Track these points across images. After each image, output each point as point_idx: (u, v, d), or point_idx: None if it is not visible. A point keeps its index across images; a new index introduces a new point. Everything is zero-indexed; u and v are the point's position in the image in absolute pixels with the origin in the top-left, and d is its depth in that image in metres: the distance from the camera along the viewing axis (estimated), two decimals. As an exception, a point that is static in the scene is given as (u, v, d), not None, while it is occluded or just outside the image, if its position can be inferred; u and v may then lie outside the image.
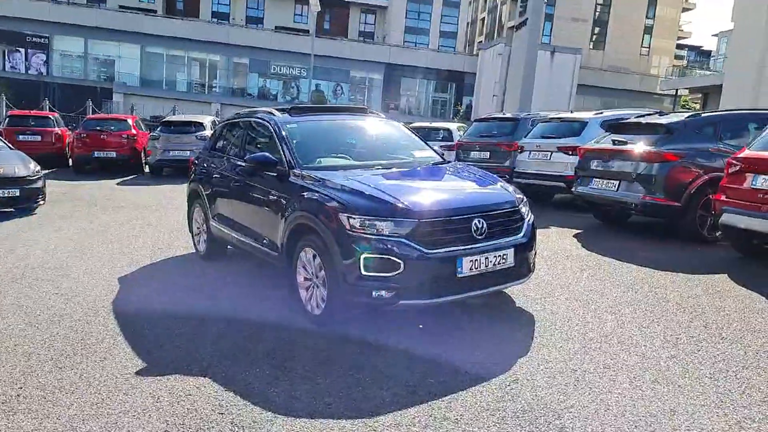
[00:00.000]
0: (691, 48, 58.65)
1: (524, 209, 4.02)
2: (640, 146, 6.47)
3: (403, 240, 3.45)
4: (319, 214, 3.74)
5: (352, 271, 3.48)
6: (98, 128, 14.61)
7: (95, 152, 14.26)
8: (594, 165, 7.02)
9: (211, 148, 5.88)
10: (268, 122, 4.79)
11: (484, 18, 51.44)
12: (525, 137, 9.70)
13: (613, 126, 7.14)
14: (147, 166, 14.63)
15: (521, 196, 4.14)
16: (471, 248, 3.57)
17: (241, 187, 4.86)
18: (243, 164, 4.85)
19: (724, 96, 23.85)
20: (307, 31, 42.39)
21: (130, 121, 15.34)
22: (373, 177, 4.12)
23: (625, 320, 4.03)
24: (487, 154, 10.73)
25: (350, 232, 3.50)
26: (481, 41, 45.49)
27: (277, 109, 5.04)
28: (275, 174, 4.34)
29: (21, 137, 14.56)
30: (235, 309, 4.30)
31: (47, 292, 4.73)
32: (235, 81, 39.92)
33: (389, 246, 3.43)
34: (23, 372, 3.25)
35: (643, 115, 7.62)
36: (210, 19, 42.42)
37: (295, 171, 4.21)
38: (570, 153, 8.52)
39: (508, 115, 11.84)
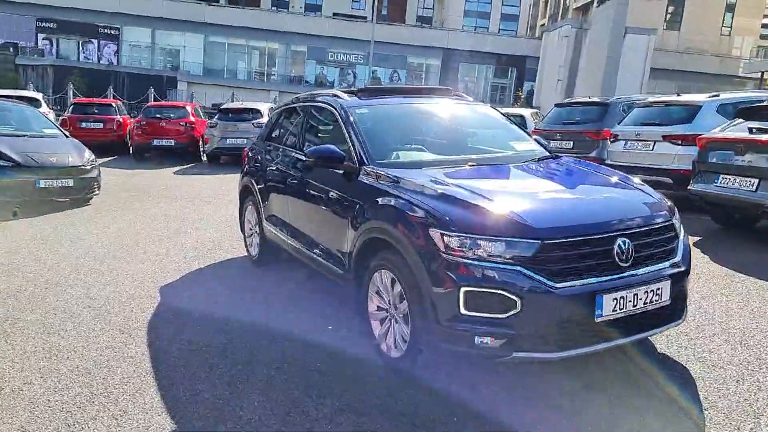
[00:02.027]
0: (770, 26, 53.62)
1: (677, 222, 2.98)
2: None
3: (520, 268, 2.51)
4: (399, 227, 2.85)
5: (448, 308, 2.57)
6: (157, 116, 14.43)
7: (154, 140, 14.06)
8: (720, 159, 5.75)
9: (266, 138, 5.10)
10: (332, 107, 3.92)
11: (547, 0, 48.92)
12: (618, 124, 8.43)
13: (748, 111, 5.82)
14: (204, 154, 14.29)
15: (671, 204, 3.08)
16: (614, 280, 2.58)
17: (300, 184, 4.04)
18: (302, 158, 4.02)
19: None
20: (365, 18, 41.86)
21: (188, 109, 15.05)
22: (469, 177, 3.20)
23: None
24: (570, 143, 9.53)
25: (445, 255, 2.59)
26: (544, 24, 43.31)
27: (343, 91, 4.16)
28: (341, 171, 3.49)
29: (84, 124, 14.69)
30: (290, 341, 3.49)
31: (79, 301, 4.12)
32: (293, 69, 40.08)
33: (501, 276, 2.50)
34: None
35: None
36: (270, 7, 42.50)
37: (366, 168, 3.34)
38: (679, 143, 7.22)
39: (596, 99, 10.51)
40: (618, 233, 2.64)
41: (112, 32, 38.02)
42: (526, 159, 3.63)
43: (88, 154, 8.49)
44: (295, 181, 4.12)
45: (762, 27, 43.94)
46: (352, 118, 3.68)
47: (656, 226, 2.80)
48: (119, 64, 37.97)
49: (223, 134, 13.35)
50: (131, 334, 3.59)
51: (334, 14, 41.75)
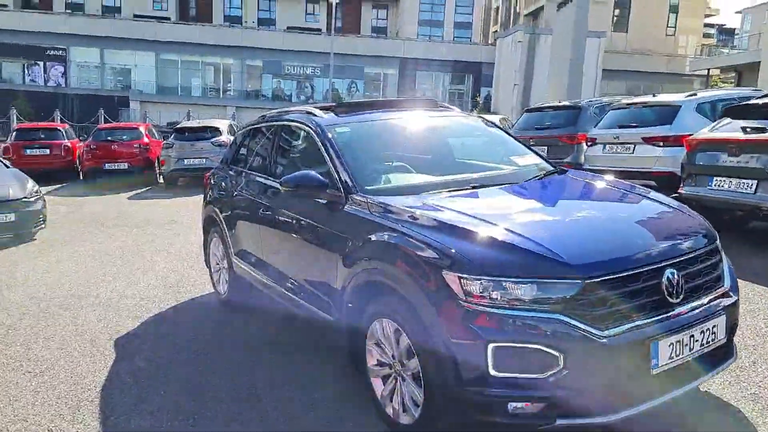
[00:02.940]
0: (712, 26, 56.10)
1: (718, 243, 2.61)
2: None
3: (559, 315, 2.07)
4: (403, 269, 2.38)
5: (473, 369, 2.10)
6: (109, 138, 13.58)
7: (106, 164, 13.21)
8: (712, 160, 5.53)
9: (231, 161, 4.54)
10: (307, 126, 3.41)
11: (498, 7, 49.71)
12: (595, 127, 8.22)
13: (736, 110, 5.63)
14: (161, 176, 13.48)
15: (709, 224, 2.71)
16: (667, 320, 2.17)
17: (273, 216, 3.52)
18: (275, 186, 3.50)
19: (763, 74, 21.96)
20: (319, 30, 41.58)
21: (142, 130, 14.23)
22: (477, 203, 2.76)
23: None
24: (544, 149, 9.27)
25: (465, 303, 2.13)
26: (497, 30, 43.91)
27: (317, 107, 3.65)
28: (324, 201, 3.00)
29: (29, 151, 13.77)
30: (274, 405, 2.97)
31: (15, 365, 3.47)
32: (249, 83, 39.36)
33: (537, 327, 2.05)
34: None
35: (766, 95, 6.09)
36: (222, 23, 41.65)
37: (354, 196, 2.85)
38: (661, 144, 7.03)
39: (566, 102, 10.33)
40: (665, 263, 2.24)
41: (59, 53, 36.43)
42: (531, 175, 3.21)
43: (31, 185, 7.70)
44: (268, 212, 3.58)
45: (704, 26, 45.89)
46: (332, 139, 3.18)
47: (702, 251, 2.41)
48: (67, 86, 36.36)
49: (180, 155, 12.60)
50: (79, 408, 2.99)
51: (288, 28, 41.29)
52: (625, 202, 2.92)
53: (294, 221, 3.30)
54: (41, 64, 36.43)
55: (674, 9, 40.94)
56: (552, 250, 2.18)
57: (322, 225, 2.99)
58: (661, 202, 2.84)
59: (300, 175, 3.01)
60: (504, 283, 2.11)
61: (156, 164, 13.64)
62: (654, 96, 7.88)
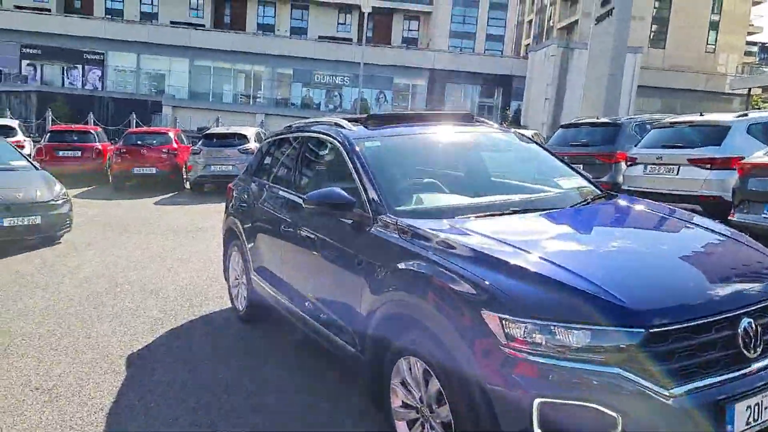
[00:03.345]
0: (754, 44, 54.61)
1: None
2: None
3: (618, 369, 1.79)
4: (435, 303, 2.14)
5: (513, 425, 1.85)
6: (138, 143, 13.66)
7: (134, 168, 13.26)
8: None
9: (255, 172, 4.37)
10: (334, 139, 3.20)
11: (531, 20, 49.29)
12: (636, 146, 7.85)
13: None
14: (187, 182, 13.51)
15: None
16: (744, 378, 1.88)
17: (295, 233, 3.31)
18: (299, 201, 3.30)
19: None
20: (350, 40, 41.81)
21: (171, 135, 14.31)
22: (521, 231, 2.50)
23: None
24: (580, 167, 8.90)
25: (507, 349, 1.88)
26: (529, 44, 43.47)
27: (346, 119, 3.44)
28: (350, 221, 2.79)
29: (61, 153, 13.93)
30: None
31: (26, 379, 3.33)
32: (278, 91, 39.75)
33: (590, 381, 1.79)
34: None
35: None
36: (255, 31, 42.24)
37: (383, 218, 2.63)
38: (708, 167, 6.64)
39: (605, 119, 9.96)
40: (741, 311, 1.94)
41: (97, 57, 37.48)
42: (577, 200, 2.94)
43: (58, 188, 7.69)
44: (290, 229, 3.38)
45: (746, 44, 44.60)
46: (360, 154, 2.96)
47: (781, 296, 2.10)
48: (104, 89, 37.29)
49: (207, 161, 12.60)
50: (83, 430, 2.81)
51: (320, 37, 41.61)
52: (688, 234, 2.63)
53: (316, 240, 3.09)
54: (80, 67, 37.49)
55: (715, 26, 40.00)
56: (609, 292, 1.91)
57: (347, 247, 2.77)
58: (728, 236, 2.54)
59: (325, 192, 2.80)
60: (552, 328, 1.85)
61: (183, 170, 13.69)
62: (701, 115, 7.48)
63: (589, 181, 3.27)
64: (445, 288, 2.12)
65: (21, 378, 3.39)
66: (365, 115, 3.46)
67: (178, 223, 8.97)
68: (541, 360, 1.84)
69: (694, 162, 6.76)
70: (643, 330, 1.82)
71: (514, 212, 2.67)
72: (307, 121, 3.96)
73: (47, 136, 14.72)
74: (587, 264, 2.12)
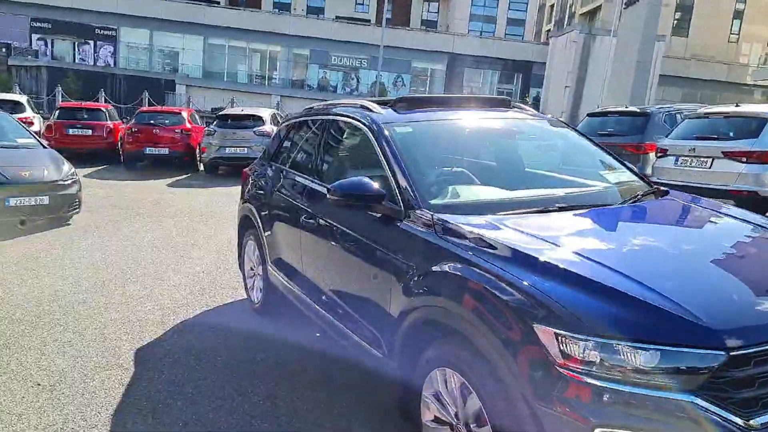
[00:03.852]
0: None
1: None
2: None
3: (691, 397, 1.54)
4: (477, 312, 1.89)
5: None
6: (151, 122, 13.40)
7: (147, 148, 13.04)
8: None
9: (272, 157, 4.10)
10: (362, 123, 2.91)
11: (553, 4, 48.16)
12: (667, 137, 7.48)
13: None
14: (201, 164, 13.30)
15: None
16: None
17: (317, 224, 3.06)
18: (322, 191, 3.04)
19: None
20: (368, 21, 41.11)
21: (185, 115, 14.06)
22: (572, 231, 2.23)
23: None
24: (607, 158, 8.57)
25: (563, 369, 1.63)
26: (550, 29, 42.55)
27: (373, 101, 3.14)
28: (378, 215, 2.52)
29: (71, 131, 13.75)
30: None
31: (26, 373, 3.13)
32: (295, 72, 39.29)
33: (660, 410, 1.54)
34: None
35: None
36: (271, 9, 41.69)
37: (416, 212, 2.36)
38: (744, 160, 6.29)
39: (633, 108, 9.54)
40: None
41: (109, 33, 37.02)
42: (627, 196, 2.65)
43: (67, 167, 7.49)
44: (311, 220, 3.12)
45: (771, 34, 43.29)
46: (391, 140, 2.67)
47: None
48: (116, 66, 37.01)
49: (221, 143, 12.35)
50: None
51: (337, 17, 40.99)
52: (761, 241, 2.32)
53: (340, 233, 2.83)
54: (92, 43, 37.07)
55: (739, 15, 38.78)
56: (684, 307, 1.64)
57: (374, 243, 2.51)
58: None
59: (352, 182, 2.51)
60: (617, 347, 1.60)
61: (197, 151, 13.47)
62: (737, 106, 7.09)
63: (637, 175, 2.97)
64: (491, 296, 1.86)
65: (22, 372, 3.20)
66: (394, 98, 3.16)
67: (190, 206, 8.77)
68: (602, 383, 1.59)
69: (729, 155, 6.42)
70: (723, 353, 1.56)
71: (561, 209, 2.39)
72: (329, 102, 3.67)
73: (57, 113, 14.51)
74: (654, 273, 1.85)
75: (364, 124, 2.89)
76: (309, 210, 3.17)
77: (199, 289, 4.68)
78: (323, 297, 3.03)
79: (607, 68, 26.19)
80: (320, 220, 3.02)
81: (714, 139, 6.77)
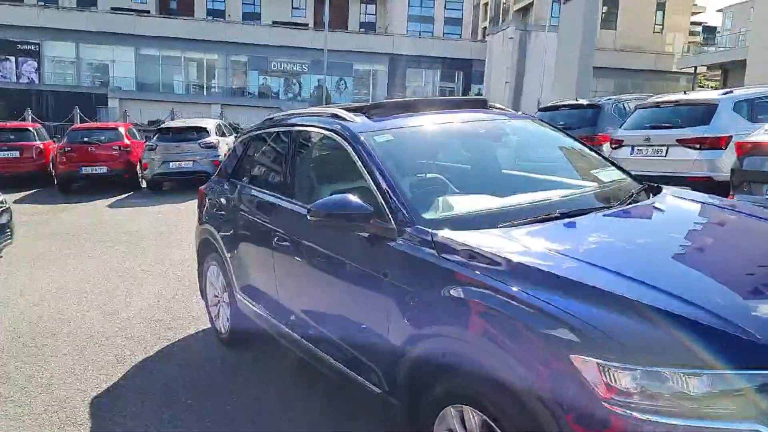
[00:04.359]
0: (698, 24, 56.45)
1: None
2: None
3: (755, 426, 1.39)
4: (497, 341, 1.69)
5: None
6: (85, 140, 12.54)
7: (82, 168, 12.19)
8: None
9: (232, 174, 3.76)
10: (335, 134, 2.65)
11: (487, 2, 49.17)
12: (620, 128, 7.60)
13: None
14: (144, 181, 12.58)
15: None
16: None
17: (294, 248, 2.77)
18: (298, 210, 2.76)
19: (749, 72, 21.72)
20: (306, 25, 40.64)
21: (122, 130, 13.23)
22: (581, 237, 2.09)
23: None
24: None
25: (609, 404, 1.45)
26: (485, 27, 43.50)
27: (343, 108, 2.88)
28: (366, 235, 2.27)
29: (-4, 154, 12.69)
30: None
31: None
32: (234, 80, 38.32)
33: None
34: None
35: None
36: (205, 17, 40.47)
37: (412, 229, 2.14)
38: (698, 147, 6.44)
39: (583, 101, 9.70)
40: None
41: (32, 48, 34.92)
42: (624, 195, 2.52)
43: (-5, 195, 6.81)
44: (285, 242, 2.83)
45: (691, 24, 45.89)
46: (372, 151, 2.43)
47: None
48: (41, 83, 34.91)
49: (164, 157, 11.73)
50: None
51: (274, 22, 40.33)
52: (754, 232, 2.24)
53: (322, 257, 2.56)
54: (13, 59, 34.90)
55: (661, 6, 40.88)
56: (739, 325, 1.49)
57: (364, 266, 2.27)
58: None
59: (335, 201, 2.26)
60: (669, 375, 1.43)
61: (138, 167, 12.73)
62: (685, 94, 7.28)
63: (624, 171, 2.87)
64: (516, 323, 1.66)
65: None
66: (364, 104, 2.92)
67: (136, 228, 8.19)
68: (653, 417, 1.42)
69: (683, 142, 6.56)
70: None
71: (564, 215, 2.22)
72: (294, 112, 3.38)
73: (-21, 136, 13.44)
74: (695, 287, 1.70)
75: (339, 135, 2.63)
76: (281, 231, 2.88)
77: (156, 322, 4.27)
78: (304, 325, 2.76)
79: (545, 63, 26.93)
80: (297, 242, 2.74)
81: (667, 127, 6.91)
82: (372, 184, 2.33)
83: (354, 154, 2.48)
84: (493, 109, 3.15)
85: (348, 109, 2.88)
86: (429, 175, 2.63)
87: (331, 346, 2.55)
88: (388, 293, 2.11)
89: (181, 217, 8.56)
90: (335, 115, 2.80)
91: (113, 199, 11.09)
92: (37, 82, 34.98)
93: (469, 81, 40.05)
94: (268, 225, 3.02)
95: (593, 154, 3.04)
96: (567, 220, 2.20)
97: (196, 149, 11.62)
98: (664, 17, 41.01)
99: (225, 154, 11.67)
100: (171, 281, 5.35)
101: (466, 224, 2.14)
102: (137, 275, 5.61)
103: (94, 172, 12.20)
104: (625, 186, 2.68)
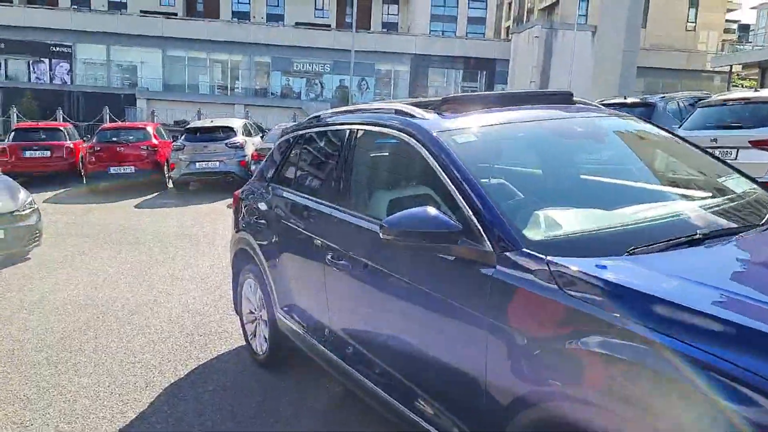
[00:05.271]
0: (733, 21, 54.74)
1: None
2: None
3: None
4: (659, 414, 1.25)
5: None
6: (114, 139, 12.49)
7: (111, 168, 12.09)
8: None
9: (273, 178, 3.37)
10: (405, 133, 2.21)
11: (510, 2, 48.30)
12: (679, 128, 7.06)
13: None
14: (171, 181, 12.41)
15: None
16: None
17: (354, 266, 2.34)
18: (362, 226, 2.33)
19: None
20: (329, 26, 40.52)
21: (150, 130, 13.11)
22: (750, 272, 1.66)
23: None
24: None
25: None
26: (509, 26, 42.74)
27: (409, 104, 2.45)
28: (452, 258, 1.85)
29: (28, 153, 12.83)
30: None
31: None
32: (257, 81, 38.42)
33: None
34: None
35: None
36: (230, 18, 40.69)
37: (516, 255, 1.68)
38: (773, 149, 5.90)
39: (633, 99, 9.12)
40: None
41: (65, 50, 35.60)
42: (762, 209, 2.05)
43: (23, 196, 6.62)
44: (343, 261, 2.40)
45: (726, 21, 44.43)
46: (453, 154, 1.99)
47: None
48: (73, 84, 35.52)
49: (192, 157, 11.53)
50: None
51: (297, 23, 40.34)
52: None
53: (392, 283, 2.12)
54: (47, 61, 35.64)
55: (694, 3, 39.62)
56: None
57: (453, 298, 1.82)
58: None
59: (414, 215, 1.83)
60: None
61: (165, 168, 12.57)
62: (756, 91, 6.71)
63: (748, 177, 2.40)
64: (692, 392, 1.23)
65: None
66: (434, 99, 2.51)
67: (164, 229, 7.94)
68: None
69: (757, 144, 5.99)
70: None
71: (706, 237, 1.75)
72: (346, 108, 2.99)
73: (12, 135, 13.50)
74: None
75: (409, 134, 2.20)
76: (338, 247, 2.46)
77: (186, 337, 3.94)
78: (366, 363, 2.35)
79: (573, 61, 26.19)
80: (357, 261, 2.32)
81: (737, 127, 6.34)
82: (456, 194, 1.89)
83: (430, 157, 2.04)
84: (581, 105, 2.68)
85: (414, 104, 2.47)
86: (547, 189, 2.20)
87: (398, 388, 2.14)
88: (489, 335, 1.68)
89: (208, 219, 8.30)
90: (401, 112, 2.37)
91: (141, 199, 10.91)
92: (69, 83, 35.70)
93: (492, 81, 39.43)
94: (318, 238, 2.62)
95: (712, 158, 2.54)
96: (716, 242, 1.75)
97: (223, 149, 11.40)
98: (696, 15, 39.75)
99: (252, 155, 11.48)
100: (199, 289, 5.03)
101: (586, 248, 1.69)
102: (165, 282, 5.31)
103: (122, 171, 12.09)
104: (758, 196, 2.19)
